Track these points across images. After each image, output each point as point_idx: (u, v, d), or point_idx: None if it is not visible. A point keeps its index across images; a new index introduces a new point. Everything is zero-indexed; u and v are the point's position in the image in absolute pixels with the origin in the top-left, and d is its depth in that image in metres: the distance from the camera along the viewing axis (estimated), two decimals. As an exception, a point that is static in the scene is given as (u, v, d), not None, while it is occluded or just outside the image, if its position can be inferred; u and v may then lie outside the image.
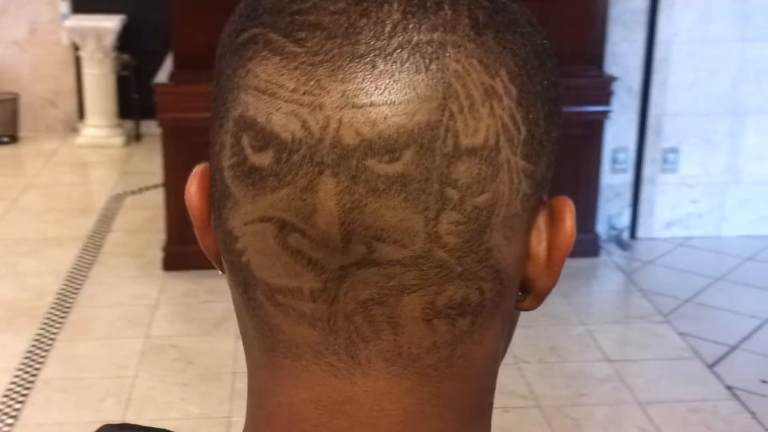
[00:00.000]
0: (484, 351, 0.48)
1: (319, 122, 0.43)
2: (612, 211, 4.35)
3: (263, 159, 0.44)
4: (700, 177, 4.37)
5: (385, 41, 0.43)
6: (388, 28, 0.43)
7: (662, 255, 4.19)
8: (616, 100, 4.07)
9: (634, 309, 3.69)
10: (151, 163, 5.15)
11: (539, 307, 0.52)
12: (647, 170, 4.35)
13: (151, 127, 5.28)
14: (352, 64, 0.43)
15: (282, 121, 0.43)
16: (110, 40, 5.78)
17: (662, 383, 3.09)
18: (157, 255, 4.02)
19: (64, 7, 5.94)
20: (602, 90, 4.01)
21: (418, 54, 0.43)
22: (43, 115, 6.17)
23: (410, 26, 0.43)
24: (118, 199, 4.91)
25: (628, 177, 4.36)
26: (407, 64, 0.43)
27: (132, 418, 2.85)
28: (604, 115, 4.03)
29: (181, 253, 3.89)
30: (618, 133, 4.24)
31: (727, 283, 3.88)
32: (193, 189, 0.51)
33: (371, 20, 0.43)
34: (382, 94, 0.42)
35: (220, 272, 0.54)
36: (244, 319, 0.50)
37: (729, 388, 3.05)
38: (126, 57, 5.94)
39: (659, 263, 4.12)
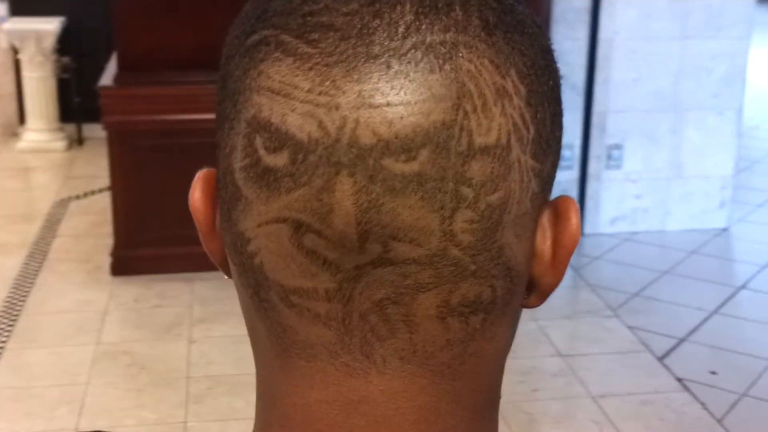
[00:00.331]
0: (494, 348, 0.49)
1: (336, 122, 0.43)
2: (559, 207, 4.38)
3: (278, 160, 0.44)
4: (643, 173, 4.44)
5: (399, 42, 0.43)
6: (401, 29, 0.43)
7: (609, 250, 4.25)
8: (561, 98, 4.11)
9: (584, 304, 3.74)
10: (94, 167, 5.09)
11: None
12: (592, 167, 4.41)
13: (94, 131, 5.22)
14: (367, 65, 0.43)
15: (298, 121, 0.43)
16: (50, 42, 5.68)
17: (614, 376, 3.14)
18: (105, 260, 3.97)
19: (2, 9, 5.83)
20: (548, 88, 4.04)
21: (431, 54, 0.43)
22: (-18, 120, 6.05)
23: (423, 27, 0.43)
24: (62, 204, 4.84)
25: (573, 174, 4.41)
26: (421, 65, 0.43)
27: (86, 426, 2.81)
28: (550, 112, 4.06)
29: (130, 257, 3.86)
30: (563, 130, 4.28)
31: (674, 277, 3.95)
32: (197, 194, 0.51)
33: (384, 21, 0.43)
34: (398, 94, 0.43)
35: (226, 277, 0.54)
36: (254, 321, 0.50)
37: (679, 379, 3.11)
38: (66, 60, 5.84)
39: (606, 258, 4.18)
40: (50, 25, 5.69)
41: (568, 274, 4.03)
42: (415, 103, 0.43)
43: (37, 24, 5.69)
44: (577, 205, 0.50)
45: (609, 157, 4.39)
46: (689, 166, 4.44)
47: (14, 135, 5.99)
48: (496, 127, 0.44)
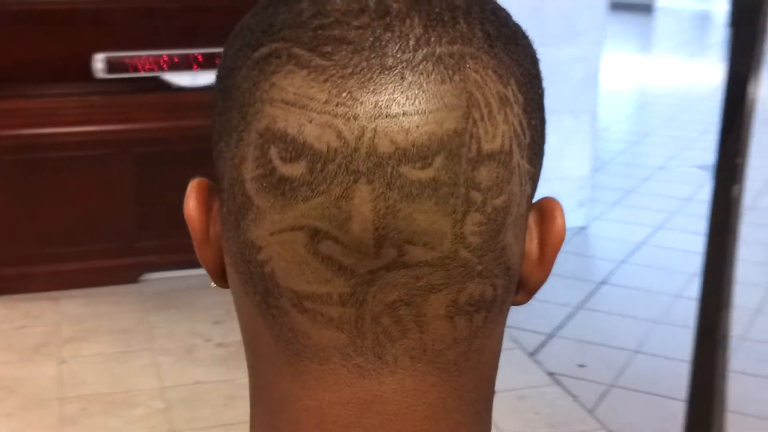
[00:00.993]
0: (492, 344, 0.51)
1: (354, 132, 0.44)
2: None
3: (294, 169, 0.45)
4: (504, 175, 4.55)
5: (410, 54, 0.45)
6: (412, 42, 0.45)
7: (475, 252, 4.35)
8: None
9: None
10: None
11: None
12: (456, 171, 4.50)
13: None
14: (382, 76, 0.45)
15: (316, 132, 0.45)
16: None
17: (490, 374, 3.21)
18: (-36, 281, 3.80)
19: None
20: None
21: (441, 65, 0.45)
22: None
23: (432, 39, 0.46)
24: None
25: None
26: (433, 75, 0.45)
27: (-45, 455, 2.68)
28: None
29: (-9, 277, 3.71)
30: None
31: (538, 275, 4.07)
32: (192, 203, 0.52)
33: (395, 34, 0.45)
34: (413, 104, 0.45)
35: (213, 284, 0.55)
36: (259, 329, 0.50)
37: (550, 374, 3.22)
38: None
39: (473, 260, 4.27)
40: None
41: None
42: (430, 113, 0.45)
43: None
44: (561, 206, 0.53)
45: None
46: (549, 169, 4.52)
47: None
48: (500, 134, 0.47)
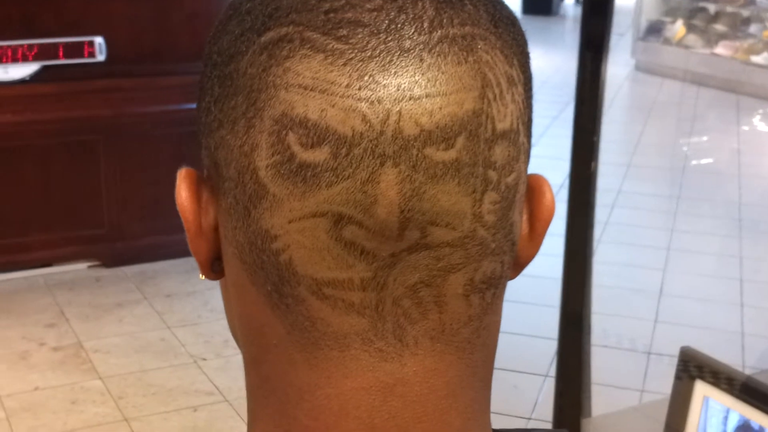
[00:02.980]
0: (497, 320, 0.53)
1: (380, 115, 0.44)
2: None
3: (317, 155, 0.45)
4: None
5: (426, 36, 0.45)
6: (426, 24, 0.46)
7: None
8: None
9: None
10: None
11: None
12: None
13: None
14: (402, 59, 0.45)
15: (339, 116, 0.44)
16: None
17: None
18: None
19: None
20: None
21: (456, 47, 0.46)
22: None
23: (444, 21, 0.46)
24: None
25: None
26: (449, 57, 0.45)
27: None
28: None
29: None
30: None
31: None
32: (184, 193, 0.50)
33: (409, 16, 0.45)
34: (434, 86, 0.45)
35: (202, 276, 0.53)
36: (267, 319, 0.49)
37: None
38: None
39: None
40: None
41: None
42: (450, 94, 0.45)
43: None
44: (548, 181, 0.54)
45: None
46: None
47: None
48: (509, 114, 0.48)
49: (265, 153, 0.46)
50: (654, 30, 8.89)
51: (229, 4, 0.50)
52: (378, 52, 0.45)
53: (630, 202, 5.09)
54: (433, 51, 0.45)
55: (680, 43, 8.57)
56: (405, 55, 0.45)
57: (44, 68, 3.72)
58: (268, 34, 0.46)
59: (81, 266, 3.94)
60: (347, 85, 0.44)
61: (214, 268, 0.52)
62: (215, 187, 0.50)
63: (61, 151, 3.84)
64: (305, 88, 0.45)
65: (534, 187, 0.53)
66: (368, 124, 0.44)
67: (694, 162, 5.91)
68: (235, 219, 0.48)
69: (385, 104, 0.44)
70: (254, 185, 0.47)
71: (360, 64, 0.44)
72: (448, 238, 0.46)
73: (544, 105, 7.24)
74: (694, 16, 8.72)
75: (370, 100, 0.44)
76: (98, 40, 3.82)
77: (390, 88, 0.44)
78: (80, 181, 3.87)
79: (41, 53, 3.70)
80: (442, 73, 0.45)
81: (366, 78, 0.44)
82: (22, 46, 3.66)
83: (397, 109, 0.44)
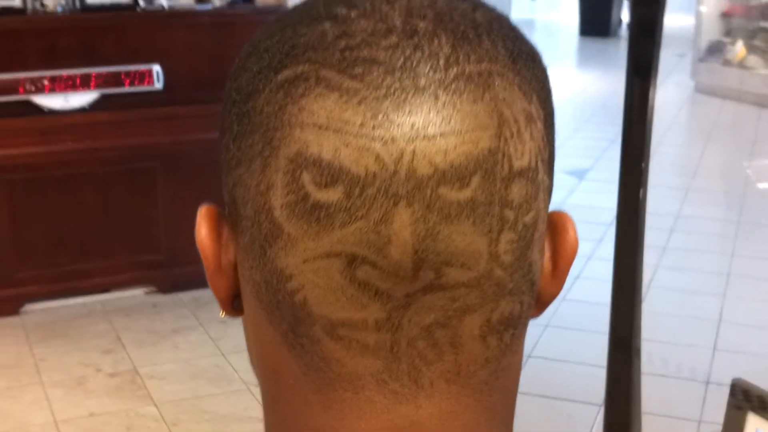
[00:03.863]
0: (517, 360, 0.52)
1: (393, 155, 0.44)
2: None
3: (330, 195, 0.44)
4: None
5: (442, 73, 0.45)
6: (442, 61, 0.45)
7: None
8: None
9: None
10: None
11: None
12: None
13: None
14: (416, 97, 0.44)
15: (353, 155, 0.44)
16: None
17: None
18: None
19: None
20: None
21: (472, 84, 0.45)
22: None
23: (461, 58, 0.45)
24: None
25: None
26: (465, 95, 0.45)
27: None
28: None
29: None
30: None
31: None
32: (204, 231, 0.51)
33: (425, 54, 0.45)
34: (449, 124, 0.44)
35: (223, 314, 0.53)
36: (283, 359, 0.49)
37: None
38: None
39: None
40: None
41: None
42: (465, 132, 0.44)
43: None
44: (572, 218, 0.53)
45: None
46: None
47: None
48: (528, 151, 0.47)
49: (280, 192, 0.46)
50: (714, 51, 8.78)
51: (249, 42, 0.50)
52: (393, 90, 0.44)
53: (689, 227, 5.00)
54: (448, 89, 0.45)
55: (741, 64, 8.44)
56: (420, 93, 0.44)
57: (103, 96, 3.79)
58: (285, 72, 0.46)
59: (138, 292, 3.99)
60: (361, 124, 0.44)
61: (234, 305, 0.52)
62: (234, 225, 0.50)
63: (120, 178, 3.90)
64: (320, 127, 0.44)
65: (557, 225, 0.52)
66: (382, 164, 0.44)
67: (755, 185, 5.80)
68: (252, 258, 0.48)
69: (399, 143, 0.44)
70: (269, 224, 0.46)
71: (374, 102, 0.44)
72: (463, 278, 0.46)
73: (601, 127, 7.18)
74: (754, 36, 8.59)
75: (383, 139, 0.44)
76: (156, 68, 3.88)
77: (404, 127, 0.44)
78: (138, 208, 3.92)
79: (101, 82, 3.77)
80: (458, 111, 0.44)
81: (380, 117, 0.44)
82: (82, 74, 3.73)
83: (411, 148, 0.44)
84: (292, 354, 0.48)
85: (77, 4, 3.91)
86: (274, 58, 0.47)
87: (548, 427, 3.01)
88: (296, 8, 0.49)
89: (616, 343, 1.82)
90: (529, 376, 3.28)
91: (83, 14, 3.91)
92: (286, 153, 0.45)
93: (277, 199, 0.46)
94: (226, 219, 0.51)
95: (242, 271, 0.49)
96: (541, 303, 0.53)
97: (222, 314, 0.53)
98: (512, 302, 0.48)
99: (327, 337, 0.47)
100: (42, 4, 3.87)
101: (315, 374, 0.48)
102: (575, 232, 0.53)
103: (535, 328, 3.66)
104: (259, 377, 0.53)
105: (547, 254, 0.52)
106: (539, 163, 0.48)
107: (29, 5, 3.85)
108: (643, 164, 1.57)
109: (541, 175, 0.48)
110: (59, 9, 3.88)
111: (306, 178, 0.45)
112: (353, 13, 0.46)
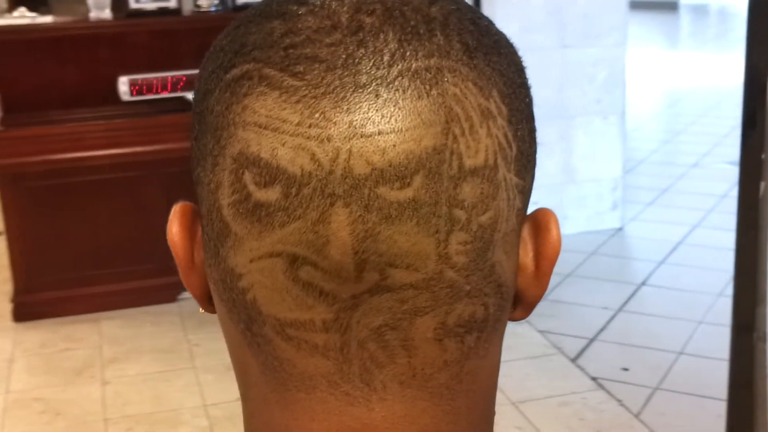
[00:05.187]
0: (488, 364, 0.50)
1: (329, 154, 0.43)
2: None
3: (270, 195, 0.44)
4: (538, 179, 4.49)
5: (385, 70, 0.44)
6: (386, 57, 0.44)
7: (512, 257, 4.31)
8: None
9: (493, 312, 3.78)
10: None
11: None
12: (489, 177, 4.47)
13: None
14: (355, 95, 0.43)
15: (289, 155, 0.43)
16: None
17: (531, 381, 3.19)
18: (6, 306, 3.84)
19: None
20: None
21: (418, 80, 0.44)
22: None
23: (407, 54, 0.44)
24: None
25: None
26: (409, 91, 0.44)
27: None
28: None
29: (32, 302, 3.74)
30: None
31: (576, 279, 4.04)
32: (175, 228, 0.51)
33: (369, 50, 0.44)
34: (388, 122, 0.43)
35: (202, 310, 0.54)
36: (246, 357, 0.49)
37: (593, 378, 3.18)
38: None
39: (510, 266, 4.23)
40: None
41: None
42: (407, 130, 0.43)
43: None
44: (556, 216, 0.51)
45: (504, 166, 4.46)
46: (580, 171, 4.56)
47: None
48: (483, 149, 0.45)
49: (227, 191, 0.46)
50: None
51: (216, 40, 0.51)
52: (332, 88, 0.43)
53: None
54: (390, 86, 0.44)
55: None
56: (360, 90, 0.43)
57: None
58: (233, 71, 0.46)
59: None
60: (298, 123, 0.44)
61: (211, 301, 0.53)
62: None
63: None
64: (260, 126, 0.44)
65: (540, 223, 0.50)
66: (317, 163, 0.43)
67: None
68: (209, 256, 0.49)
69: (335, 142, 0.43)
70: (220, 223, 0.47)
71: (312, 101, 0.43)
72: (410, 279, 0.45)
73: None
74: None
75: (320, 138, 0.43)
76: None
77: (341, 125, 0.43)
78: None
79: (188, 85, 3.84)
80: (399, 108, 0.43)
81: (317, 115, 0.43)
82: (169, 77, 3.82)
83: (347, 147, 0.43)
84: (252, 352, 0.49)
85: (229, 4, 4.04)
86: (225, 57, 0.47)
87: (698, 427, 2.90)
88: (256, 6, 0.49)
89: (738, 332, 1.76)
90: (680, 373, 3.18)
91: (236, 13, 4.02)
92: (231, 152, 0.45)
93: (225, 198, 0.46)
94: (200, 217, 0.51)
95: (206, 269, 0.50)
96: (525, 304, 0.52)
97: (201, 311, 0.54)
98: (472, 305, 0.47)
99: (278, 337, 0.47)
100: (196, 5, 4.02)
101: (271, 373, 0.48)
102: (558, 232, 0.51)
103: (689, 324, 3.55)
104: (235, 375, 0.54)
105: (531, 254, 0.50)
106: (499, 160, 0.46)
107: (184, 6, 4.00)
108: (763, 155, 1.49)
109: (503, 173, 0.46)
110: (212, 9, 4.02)
111: (248, 177, 0.45)
112: (302, 10, 0.46)
